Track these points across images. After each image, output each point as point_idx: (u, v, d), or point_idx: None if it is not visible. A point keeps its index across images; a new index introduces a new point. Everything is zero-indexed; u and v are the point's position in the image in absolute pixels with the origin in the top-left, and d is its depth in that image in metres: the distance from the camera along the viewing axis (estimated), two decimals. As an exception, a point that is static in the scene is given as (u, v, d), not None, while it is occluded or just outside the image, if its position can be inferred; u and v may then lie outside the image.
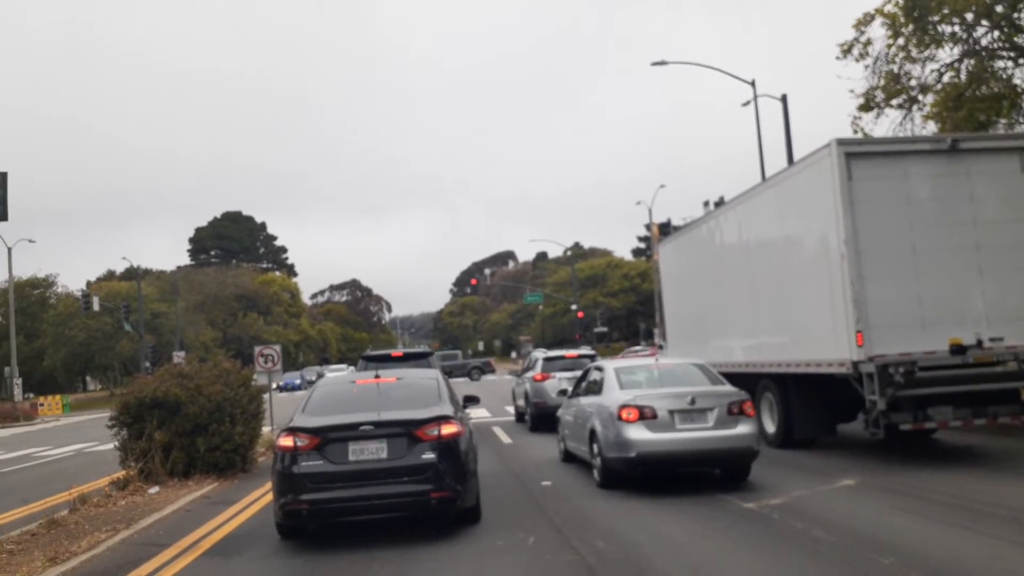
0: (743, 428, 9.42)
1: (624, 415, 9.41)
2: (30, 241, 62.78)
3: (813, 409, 12.39)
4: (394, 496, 7.45)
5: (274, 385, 23.89)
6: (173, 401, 12.38)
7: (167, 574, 7.08)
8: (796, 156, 20.20)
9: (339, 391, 9.06)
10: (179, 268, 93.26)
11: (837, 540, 6.79)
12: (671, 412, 9.37)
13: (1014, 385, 10.60)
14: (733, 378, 11.77)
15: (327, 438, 7.61)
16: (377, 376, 9.09)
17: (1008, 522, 7.10)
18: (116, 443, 12.80)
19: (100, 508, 10.35)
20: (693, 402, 9.41)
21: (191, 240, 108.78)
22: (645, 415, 9.34)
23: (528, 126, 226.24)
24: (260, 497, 10.55)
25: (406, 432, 7.66)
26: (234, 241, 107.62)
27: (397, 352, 17.11)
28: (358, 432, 7.59)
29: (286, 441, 7.67)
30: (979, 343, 10.46)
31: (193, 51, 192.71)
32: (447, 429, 7.72)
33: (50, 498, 12.05)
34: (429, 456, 7.55)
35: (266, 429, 15.50)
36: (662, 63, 27.94)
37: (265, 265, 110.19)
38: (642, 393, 9.76)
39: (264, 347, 21.30)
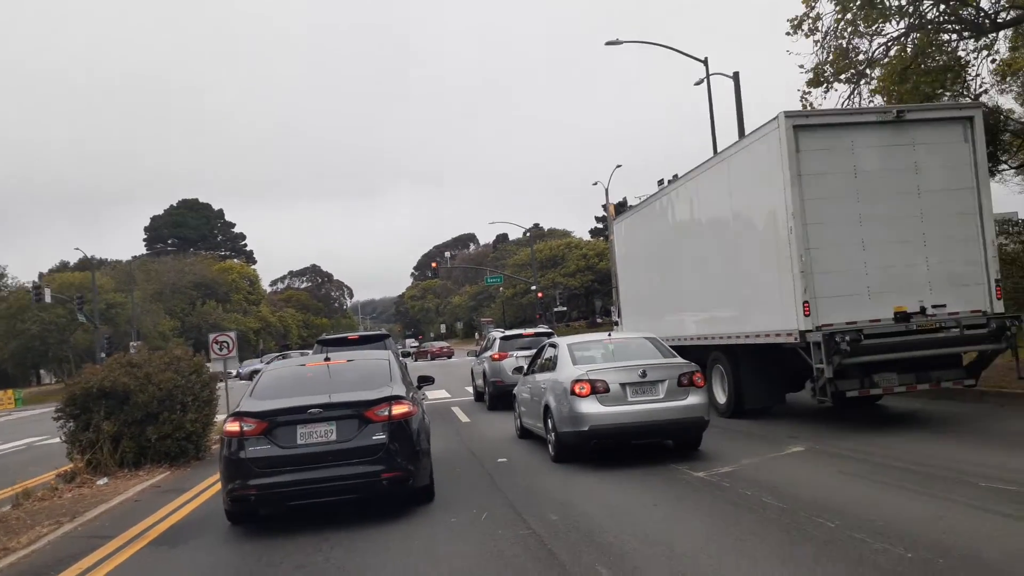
0: (693, 399, 9.52)
1: (577, 389, 9.45)
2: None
3: (763, 379, 12.57)
4: (344, 478, 7.36)
5: (232, 372, 23.56)
6: (121, 390, 12.10)
7: (109, 567, 6.91)
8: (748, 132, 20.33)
9: (288, 374, 8.91)
10: (135, 258, 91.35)
11: (785, 505, 6.90)
12: (623, 385, 9.43)
13: (956, 350, 10.87)
14: (686, 351, 11.89)
15: (275, 422, 7.49)
16: (327, 359, 8.97)
17: (952, 483, 7.26)
18: (62, 435, 12.48)
19: (44, 502, 10.09)
20: (644, 375, 9.47)
21: (147, 229, 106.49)
22: (597, 389, 9.39)
23: (487, 110, 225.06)
24: (213, 484, 10.37)
25: (356, 413, 7.57)
26: (191, 229, 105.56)
27: (353, 335, 16.91)
28: (306, 415, 7.48)
29: (232, 426, 7.53)
30: (923, 310, 10.69)
31: (139, 38, 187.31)
32: (398, 409, 7.64)
33: (-7, 493, 11.71)
34: (380, 437, 7.48)
35: (222, 416, 15.24)
36: (616, 42, 27.87)
37: (223, 253, 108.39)
38: (594, 368, 9.80)
39: (219, 334, 20.93)
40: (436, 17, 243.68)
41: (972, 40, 16.56)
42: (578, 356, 10.43)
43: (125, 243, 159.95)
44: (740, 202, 12.40)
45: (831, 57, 16.89)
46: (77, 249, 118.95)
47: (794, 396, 13.24)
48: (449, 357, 58.70)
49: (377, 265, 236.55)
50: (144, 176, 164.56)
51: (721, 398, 13.11)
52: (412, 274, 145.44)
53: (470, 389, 21.91)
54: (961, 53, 16.86)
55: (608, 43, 27.81)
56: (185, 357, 13.67)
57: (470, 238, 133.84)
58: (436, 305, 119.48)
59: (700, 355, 12.76)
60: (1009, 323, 10.57)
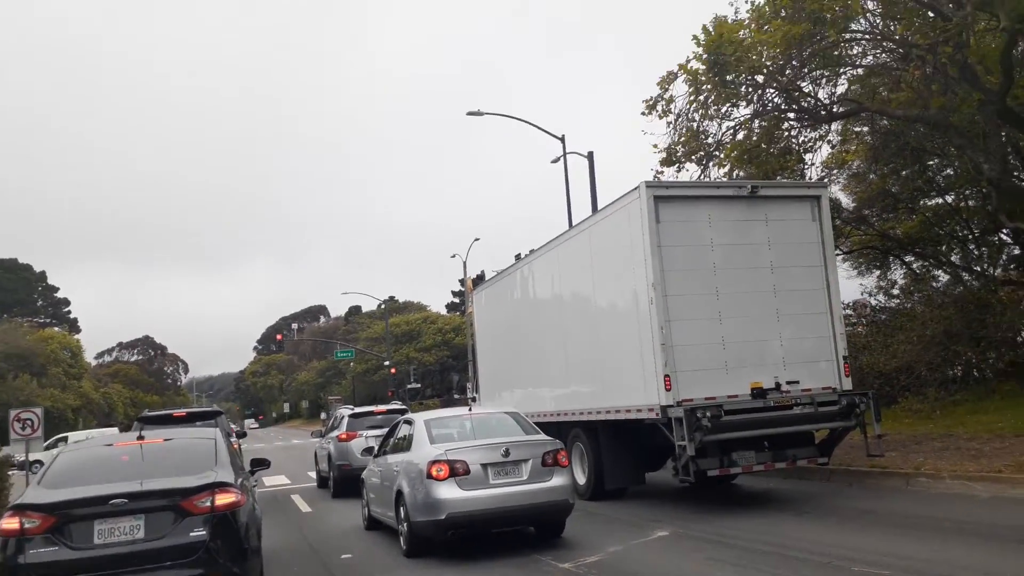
0: (558, 480, 8.88)
1: (434, 472, 8.57)
2: None
3: (623, 457, 12.18)
4: None
5: (33, 456, 20.66)
6: None
7: None
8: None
9: (89, 456, 7.50)
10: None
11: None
12: (484, 466, 8.66)
13: (809, 428, 10.96)
14: (546, 428, 11.31)
15: (67, 516, 6.16)
16: (141, 437, 7.67)
17: (822, 568, 6.99)
18: None
19: None
20: (507, 453, 8.77)
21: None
22: (456, 471, 8.55)
23: (341, 179, 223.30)
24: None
25: (171, 504, 6.37)
26: (6, 292, 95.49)
27: (180, 412, 15.03)
28: (107, 507, 6.20)
29: (10, 523, 6.12)
30: (777, 386, 10.73)
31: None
32: (223, 499, 6.51)
33: None
34: (199, 533, 6.31)
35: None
36: (478, 113, 28.10)
37: (43, 320, 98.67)
38: (454, 447, 8.97)
39: (22, 410, 18.35)
40: (290, 80, 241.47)
41: (809, 129, 17.78)
42: (436, 434, 9.58)
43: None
44: (600, 273, 12.21)
45: (683, 138, 17.56)
46: None
47: (652, 475, 12.95)
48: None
49: (218, 339, 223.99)
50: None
51: (581, 478, 12.58)
52: (255, 348, 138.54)
53: (313, 474, 20.19)
54: (802, 139, 18.06)
55: (469, 113, 27.99)
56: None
57: (320, 310, 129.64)
58: (280, 382, 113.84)
59: (559, 432, 12.26)
60: (859, 400, 10.79)
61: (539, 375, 14.86)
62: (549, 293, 14.36)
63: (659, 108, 17.02)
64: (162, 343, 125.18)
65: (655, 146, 17.70)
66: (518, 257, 37.23)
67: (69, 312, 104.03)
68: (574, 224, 25.84)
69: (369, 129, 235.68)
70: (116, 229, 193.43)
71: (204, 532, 6.32)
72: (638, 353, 10.90)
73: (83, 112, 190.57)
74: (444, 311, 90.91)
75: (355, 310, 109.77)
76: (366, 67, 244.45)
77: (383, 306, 74.96)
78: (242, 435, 18.91)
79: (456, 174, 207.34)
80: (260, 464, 9.09)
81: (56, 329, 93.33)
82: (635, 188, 10.92)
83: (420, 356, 73.80)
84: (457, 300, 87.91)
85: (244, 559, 6.56)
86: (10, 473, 13.60)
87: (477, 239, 58.75)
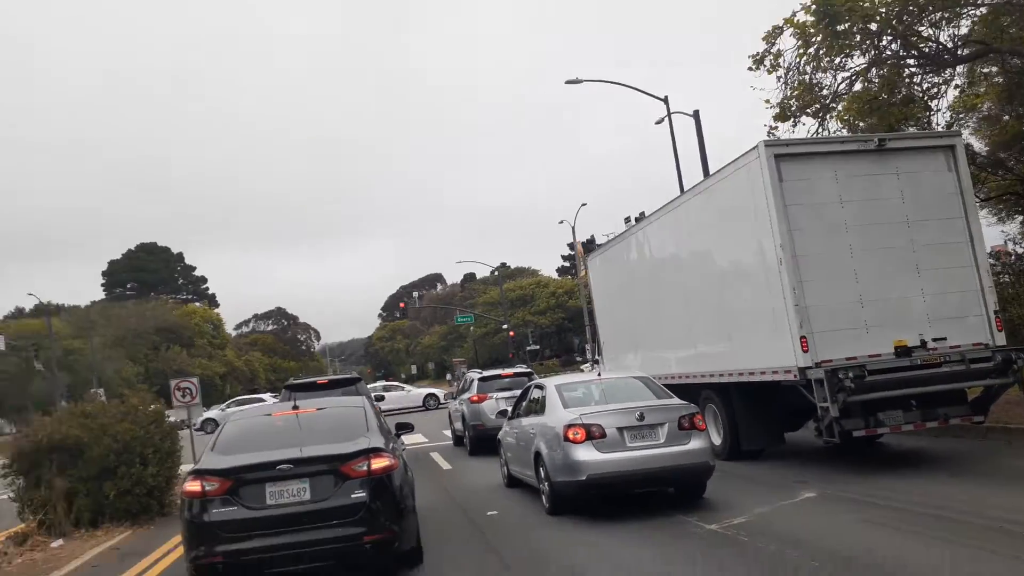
0: (696, 443, 8.91)
1: (570, 435, 8.80)
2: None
3: (760, 418, 12.03)
4: (322, 543, 6.59)
5: (195, 420, 22.51)
6: (74, 444, 11.21)
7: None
8: (712, 170, 20.20)
9: (253, 425, 8.16)
10: (93, 303, 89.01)
11: (817, 562, 6.28)
12: (620, 430, 8.80)
13: (961, 385, 10.46)
14: (672, 390, 11.30)
15: (241, 480, 6.74)
16: (296, 407, 8.24)
17: (983, 531, 6.75)
18: (10, 494, 11.50)
19: (-11, 571, 9.15)
20: (642, 417, 8.87)
21: (105, 274, 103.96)
22: (593, 434, 8.74)
23: (451, 150, 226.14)
24: (178, 545, 9.48)
25: (331, 469, 6.84)
26: (151, 273, 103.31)
27: (322, 380, 16.00)
28: (275, 472, 6.74)
29: (193, 486, 6.75)
30: (923, 344, 10.28)
31: (96, 71, 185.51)
32: (378, 463, 6.93)
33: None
34: (359, 495, 6.75)
35: (187, 467, 14.32)
36: (576, 81, 27.82)
37: (185, 296, 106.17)
38: (588, 411, 9.16)
39: (181, 380, 19.95)
40: (403, 53, 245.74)
41: (932, 75, 16.62)
42: (568, 398, 9.80)
43: (82, 288, 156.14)
44: (724, 235, 11.96)
45: (795, 92, 16.82)
46: (31, 295, 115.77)
47: (791, 436, 12.71)
48: None
49: (344, 307, 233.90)
50: (100, 221, 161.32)
51: (716, 439, 12.49)
52: (380, 315, 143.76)
53: (448, 433, 21.06)
54: (925, 86, 16.91)
55: (568, 82, 27.74)
56: (143, 406, 12.78)
57: (437, 278, 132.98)
58: (406, 346, 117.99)
59: (687, 394, 12.20)
60: (1015, 356, 10.19)
61: (661, 337, 14.79)
62: (668, 255, 14.21)
63: (767, 63, 16.32)
64: (294, 313, 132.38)
65: (767, 101, 17.01)
66: (627, 220, 36.76)
67: (207, 288, 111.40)
68: (683, 185, 25.51)
69: (474, 104, 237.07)
70: (246, 209, 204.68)
71: (364, 494, 6.75)
72: (769, 315, 10.68)
73: (221, 100, 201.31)
74: (555, 275, 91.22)
75: (469, 277, 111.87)
76: (473, 45, 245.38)
77: (496, 273, 75.97)
78: (380, 399, 19.88)
79: (557, 145, 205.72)
80: (404, 428, 9.60)
81: (198, 304, 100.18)
82: (753, 148, 10.62)
83: (536, 319, 74.58)
84: (567, 264, 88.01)
85: (401, 518, 6.99)
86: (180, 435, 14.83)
87: (584, 204, 58.43)
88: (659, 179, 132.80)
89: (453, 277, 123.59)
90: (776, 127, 17.17)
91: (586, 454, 8.69)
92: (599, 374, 11.19)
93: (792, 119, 17.08)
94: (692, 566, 6.71)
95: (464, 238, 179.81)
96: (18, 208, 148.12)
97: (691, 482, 9.22)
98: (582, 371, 35.25)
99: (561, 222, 59.98)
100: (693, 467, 8.87)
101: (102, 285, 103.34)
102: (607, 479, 8.68)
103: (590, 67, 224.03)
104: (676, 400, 9.61)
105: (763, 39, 16.29)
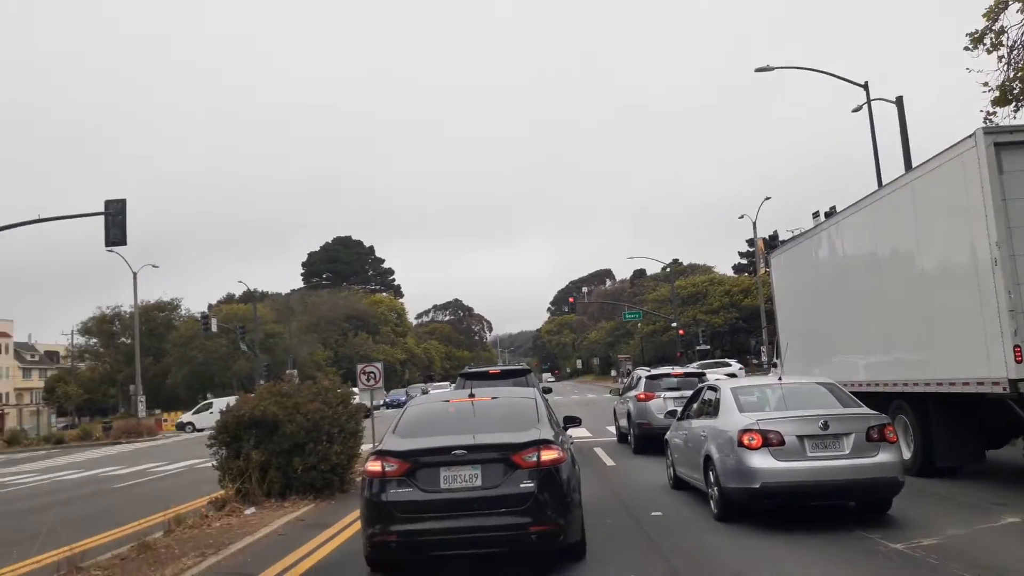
0: (885, 456, 8.24)
1: (746, 440, 8.42)
2: (153, 267, 65.70)
3: (958, 433, 10.97)
4: (490, 529, 6.72)
5: (378, 402, 23.82)
6: (271, 420, 12.19)
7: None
8: (915, 163, 18.49)
9: (431, 411, 8.49)
10: (293, 291, 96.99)
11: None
12: (800, 438, 8.31)
13: None
14: (860, 398, 10.54)
15: (418, 463, 7.00)
16: (471, 395, 8.47)
17: None
18: (214, 462, 12.71)
19: (194, 530, 10.15)
20: (826, 426, 8.32)
21: (304, 264, 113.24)
22: (770, 441, 8.32)
23: (624, 143, 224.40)
24: (355, 520, 10.07)
25: (502, 457, 6.96)
26: (344, 264, 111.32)
27: (494, 369, 16.64)
28: (450, 457, 6.94)
29: (374, 466, 7.10)
30: None
31: (296, 83, 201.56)
32: (547, 455, 6.96)
33: (151, 517, 11.99)
34: (528, 485, 6.82)
35: (367, 447, 15.22)
36: (767, 69, 26.51)
37: (373, 287, 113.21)
38: (766, 416, 8.72)
39: (366, 364, 21.23)
40: (569, 54, 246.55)
41: None
42: (744, 402, 9.39)
43: (285, 277, 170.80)
44: (928, 231, 10.98)
45: (1020, 73, 15.11)
46: (240, 282, 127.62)
47: (993, 454, 11.48)
48: None
49: (515, 300, 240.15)
50: (303, 216, 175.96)
51: (906, 453, 11.51)
52: (549, 309, 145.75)
53: (612, 429, 20.94)
54: None
55: (758, 70, 26.49)
56: (332, 387, 13.70)
57: (606, 273, 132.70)
58: (572, 340, 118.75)
59: (875, 402, 11.32)
60: None
61: (849, 341, 13.84)
62: (862, 253, 13.23)
63: (987, 41, 14.78)
64: (469, 304, 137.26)
65: (985, 84, 15.48)
66: (815, 215, 34.63)
67: (394, 280, 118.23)
68: (881, 179, 23.58)
69: (656, 98, 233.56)
70: (433, 205, 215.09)
71: (532, 484, 6.80)
72: (978, 320, 9.67)
73: (413, 113, 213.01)
74: (731, 272, 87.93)
75: (639, 273, 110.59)
76: (643, 40, 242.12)
77: (667, 269, 74.40)
78: (547, 391, 20.12)
79: (743, 135, 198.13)
80: (572, 421, 9.61)
81: (384, 294, 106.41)
82: (969, 136, 9.63)
83: (708, 318, 72.32)
84: (745, 261, 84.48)
85: (568, 511, 6.99)
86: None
87: (768, 198, 55.54)
88: (850, 172, 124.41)
89: (623, 273, 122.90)
90: (995, 112, 15.64)
91: (761, 461, 8.28)
92: (779, 378, 10.65)
93: (1015, 103, 15.49)
94: (875, 587, 6.22)
95: (637, 234, 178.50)
96: (230, 203, 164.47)
97: (876, 497, 8.56)
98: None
99: (742, 217, 57.22)
100: (880, 482, 8.21)
101: (301, 275, 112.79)
102: (783, 488, 8.23)
103: (776, 53, 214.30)
104: (864, 409, 8.94)
105: (984, 15, 14.86)
